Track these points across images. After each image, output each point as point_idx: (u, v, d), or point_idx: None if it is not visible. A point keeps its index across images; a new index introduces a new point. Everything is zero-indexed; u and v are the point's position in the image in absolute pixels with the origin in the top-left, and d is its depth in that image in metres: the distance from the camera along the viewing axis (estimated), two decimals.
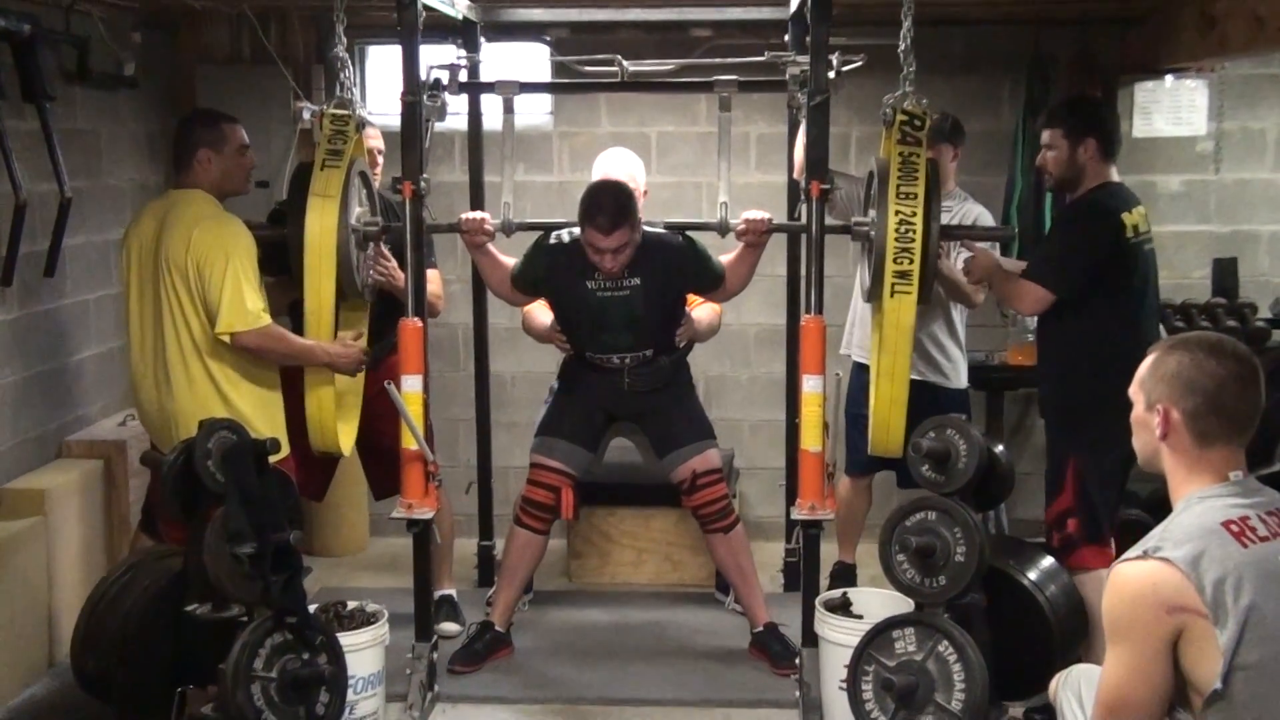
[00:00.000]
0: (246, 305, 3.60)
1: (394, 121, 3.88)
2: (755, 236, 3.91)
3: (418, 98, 3.81)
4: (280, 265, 3.87)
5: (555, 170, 5.54)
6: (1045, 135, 3.88)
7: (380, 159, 4.34)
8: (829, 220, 3.78)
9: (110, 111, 4.86)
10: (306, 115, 5.06)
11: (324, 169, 3.71)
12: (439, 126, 4.15)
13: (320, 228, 3.67)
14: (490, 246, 4.04)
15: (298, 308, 3.88)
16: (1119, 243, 3.73)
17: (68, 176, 4.22)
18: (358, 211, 3.84)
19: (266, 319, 3.65)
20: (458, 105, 4.40)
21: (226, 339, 3.60)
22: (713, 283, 4.09)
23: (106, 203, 4.80)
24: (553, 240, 4.09)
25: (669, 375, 4.21)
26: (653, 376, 4.16)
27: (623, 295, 4.01)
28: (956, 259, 4.21)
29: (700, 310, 4.34)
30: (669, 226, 4.10)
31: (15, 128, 4.04)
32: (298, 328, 3.88)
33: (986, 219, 4.41)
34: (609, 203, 3.82)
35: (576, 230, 3.97)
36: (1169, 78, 5.26)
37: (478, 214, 4.05)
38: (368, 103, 5.25)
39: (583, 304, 4.05)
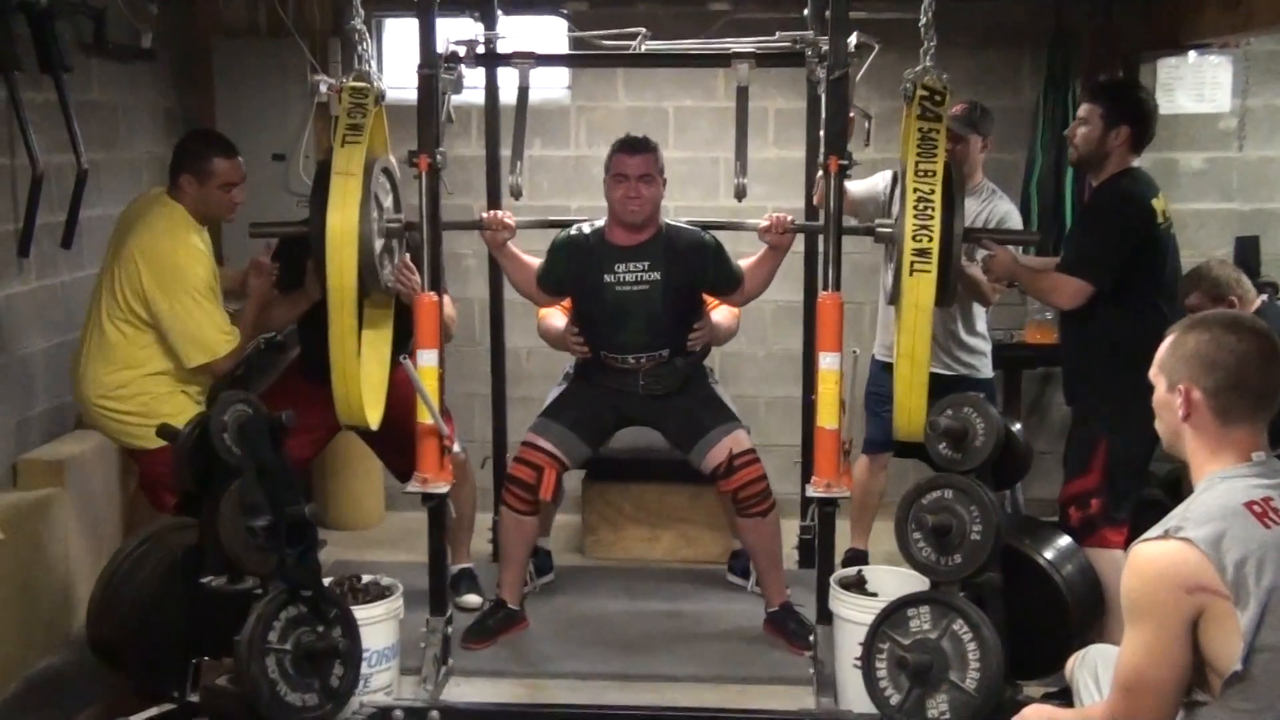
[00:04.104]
0: (206, 337, 3.74)
1: (410, 95, 3.86)
2: (776, 237, 3.88)
3: (435, 71, 3.79)
4: (294, 277, 3.94)
5: (572, 145, 5.52)
6: (1083, 108, 3.85)
7: None
8: (848, 221, 3.75)
9: (127, 83, 4.86)
10: (323, 89, 5.06)
11: (345, 145, 3.66)
12: (455, 100, 4.13)
13: (342, 213, 3.57)
14: (512, 246, 4.03)
15: (307, 323, 4.00)
16: (1151, 230, 3.72)
17: (84, 148, 4.22)
18: (385, 205, 3.79)
19: (230, 343, 3.78)
20: (474, 79, 4.38)
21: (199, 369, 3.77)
22: (731, 285, 4.09)
23: (123, 174, 4.80)
24: (573, 232, 4.09)
25: (684, 377, 4.18)
26: (668, 379, 4.14)
27: (641, 290, 4.00)
28: (977, 259, 4.18)
29: (718, 313, 4.33)
30: (693, 224, 4.12)
31: (32, 99, 4.04)
32: (309, 340, 4.03)
33: (1014, 217, 4.36)
34: (636, 137, 4.04)
35: (598, 221, 4.05)
36: (1192, 54, 5.21)
37: (498, 212, 4.03)
38: (384, 76, 5.23)
39: (601, 299, 4.04)
